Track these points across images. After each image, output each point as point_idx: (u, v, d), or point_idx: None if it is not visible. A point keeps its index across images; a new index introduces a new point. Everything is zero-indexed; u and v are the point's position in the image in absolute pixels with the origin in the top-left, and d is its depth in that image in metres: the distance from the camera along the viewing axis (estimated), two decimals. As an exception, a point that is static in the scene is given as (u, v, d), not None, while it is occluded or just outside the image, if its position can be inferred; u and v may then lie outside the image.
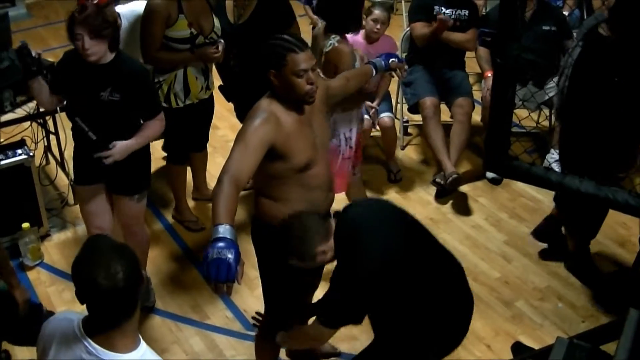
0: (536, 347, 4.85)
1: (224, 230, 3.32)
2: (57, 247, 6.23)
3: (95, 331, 2.68)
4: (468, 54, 7.14)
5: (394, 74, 5.05)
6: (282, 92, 3.91)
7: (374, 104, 6.77)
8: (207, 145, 6.48)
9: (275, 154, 3.87)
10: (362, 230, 3.75)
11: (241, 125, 3.96)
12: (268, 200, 4.08)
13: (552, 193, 5.91)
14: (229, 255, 3.21)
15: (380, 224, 3.78)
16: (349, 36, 6.57)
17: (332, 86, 4.44)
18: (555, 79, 6.68)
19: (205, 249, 3.27)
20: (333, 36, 5.29)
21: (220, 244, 3.24)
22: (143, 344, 2.73)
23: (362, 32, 6.71)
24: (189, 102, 5.79)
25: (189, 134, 6.07)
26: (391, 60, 4.84)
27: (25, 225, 5.93)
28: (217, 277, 3.19)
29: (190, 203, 6.61)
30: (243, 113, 6.15)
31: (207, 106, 6.06)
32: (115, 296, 2.60)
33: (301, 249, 3.72)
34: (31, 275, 5.92)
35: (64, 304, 5.53)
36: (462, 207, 6.68)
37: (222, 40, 5.70)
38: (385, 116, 6.84)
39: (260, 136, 3.79)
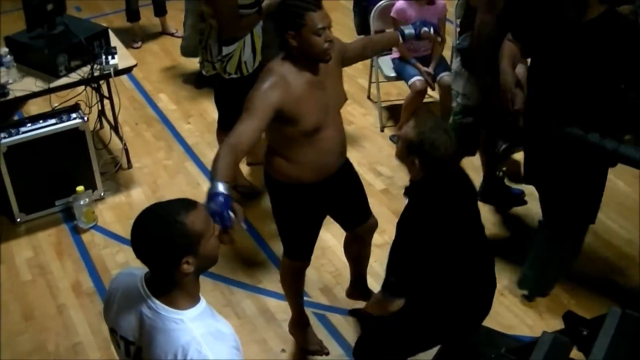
0: (588, 317, 4.82)
1: (221, 186, 3.46)
2: (111, 210, 6.29)
3: (156, 287, 2.71)
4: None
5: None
6: (300, 52, 3.97)
7: (429, 69, 6.74)
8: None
9: (284, 118, 3.96)
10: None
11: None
12: (279, 158, 4.24)
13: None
14: (222, 208, 3.34)
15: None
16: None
17: (348, 49, 4.48)
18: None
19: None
20: None
21: (215, 200, 3.38)
22: (203, 302, 2.76)
23: None
24: (256, 66, 5.78)
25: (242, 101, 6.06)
26: (424, 29, 4.77)
27: (80, 188, 6.00)
28: None
29: (244, 169, 6.61)
30: None
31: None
32: (140, 249, 2.65)
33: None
34: (85, 237, 6.00)
35: (117, 266, 5.60)
36: (515, 174, 6.62)
37: None
38: (444, 75, 6.76)
39: (266, 102, 3.89)
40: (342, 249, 5.09)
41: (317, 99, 4.06)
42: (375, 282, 5.29)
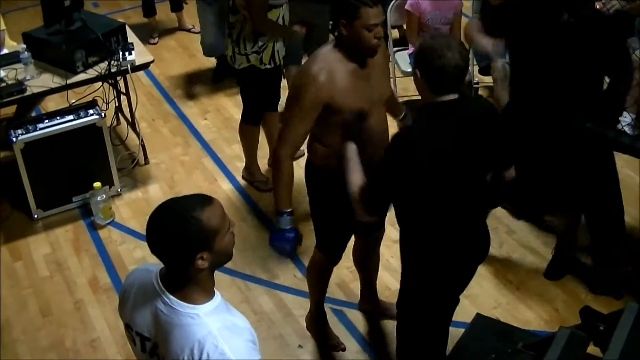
0: (605, 312, 4.81)
1: (289, 220, 4.17)
2: (128, 206, 6.31)
3: (170, 282, 2.72)
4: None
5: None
6: (349, 42, 3.98)
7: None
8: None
9: (329, 109, 3.99)
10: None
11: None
12: (321, 146, 4.24)
13: (623, 157, 5.80)
14: (290, 247, 4.23)
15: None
16: None
17: None
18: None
19: (274, 233, 4.26)
20: None
21: (285, 236, 4.18)
22: (218, 296, 2.76)
23: None
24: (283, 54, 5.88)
25: (272, 93, 6.11)
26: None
27: (97, 184, 6.02)
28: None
29: (262, 165, 6.61)
30: None
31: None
32: (155, 245, 2.66)
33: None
34: (102, 233, 6.02)
35: (134, 262, 5.61)
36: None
37: None
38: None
39: (313, 99, 3.96)
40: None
41: (361, 89, 4.06)
42: (392, 277, 5.30)
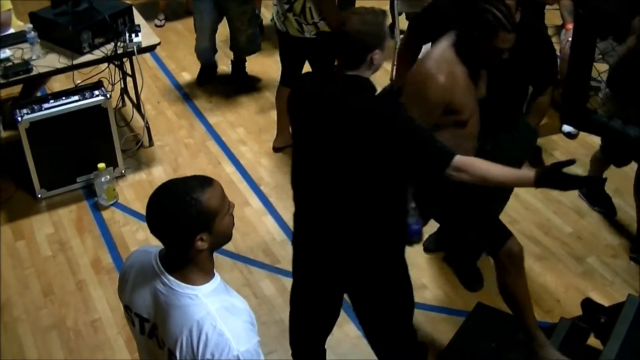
0: (606, 304, 4.81)
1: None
2: (132, 188, 6.32)
3: (170, 263, 2.72)
4: (548, 5, 6.98)
5: None
6: (470, 50, 3.91)
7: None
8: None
9: (447, 110, 3.93)
10: None
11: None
12: None
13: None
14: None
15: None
16: None
17: None
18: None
19: None
20: None
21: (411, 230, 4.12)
22: (217, 277, 2.76)
23: None
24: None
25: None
26: None
27: (101, 165, 6.02)
28: None
29: (268, 148, 6.61)
30: None
31: None
32: (155, 225, 2.66)
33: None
34: (105, 214, 6.03)
35: (137, 243, 5.62)
36: (537, 160, 6.59)
37: None
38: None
39: (435, 99, 3.87)
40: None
41: (471, 89, 4.02)
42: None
